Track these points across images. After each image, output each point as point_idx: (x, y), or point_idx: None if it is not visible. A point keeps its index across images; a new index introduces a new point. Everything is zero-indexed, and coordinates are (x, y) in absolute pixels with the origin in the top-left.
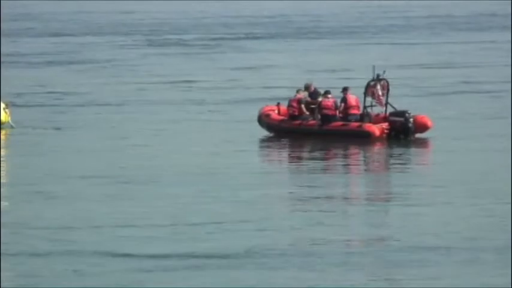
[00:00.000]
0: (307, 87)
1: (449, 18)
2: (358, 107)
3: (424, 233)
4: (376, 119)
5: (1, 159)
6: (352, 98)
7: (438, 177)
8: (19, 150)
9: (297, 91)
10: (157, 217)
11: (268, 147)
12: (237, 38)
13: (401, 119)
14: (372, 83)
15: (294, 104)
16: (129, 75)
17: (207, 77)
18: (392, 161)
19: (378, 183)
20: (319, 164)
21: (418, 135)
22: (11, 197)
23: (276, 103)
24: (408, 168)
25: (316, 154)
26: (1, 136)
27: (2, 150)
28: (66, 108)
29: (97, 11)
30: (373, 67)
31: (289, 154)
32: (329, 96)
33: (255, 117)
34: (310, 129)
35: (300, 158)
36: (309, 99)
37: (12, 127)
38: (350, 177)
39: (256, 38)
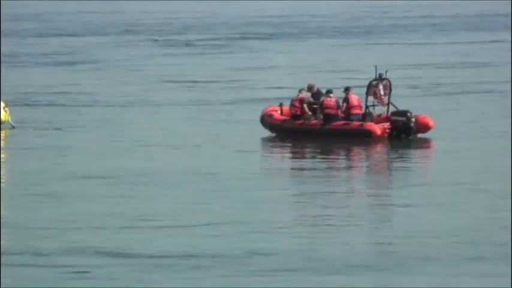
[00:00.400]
0: (310, 88)
1: (452, 18)
2: (360, 107)
3: (425, 234)
4: (378, 119)
5: (1, 159)
6: (354, 98)
7: (439, 177)
8: (19, 149)
9: (300, 91)
10: (160, 217)
11: (269, 147)
12: (241, 38)
13: (403, 118)
14: (374, 83)
15: (297, 104)
16: (133, 75)
17: (211, 77)
18: (393, 160)
19: (379, 184)
20: (320, 164)
21: (419, 135)
22: (11, 197)
23: (278, 103)
24: (409, 168)
25: (318, 154)
26: (1, 136)
27: (2, 149)
28: (69, 108)
29: (101, 11)
30: (375, 67)
31: (290, 154)
32: (331, 95)
33: (258, 118)
34: (312, 128)
35: (301, 158)
36: (311, 99)
37: (12, 126)
38: (350, 177)
39: (260, 38)
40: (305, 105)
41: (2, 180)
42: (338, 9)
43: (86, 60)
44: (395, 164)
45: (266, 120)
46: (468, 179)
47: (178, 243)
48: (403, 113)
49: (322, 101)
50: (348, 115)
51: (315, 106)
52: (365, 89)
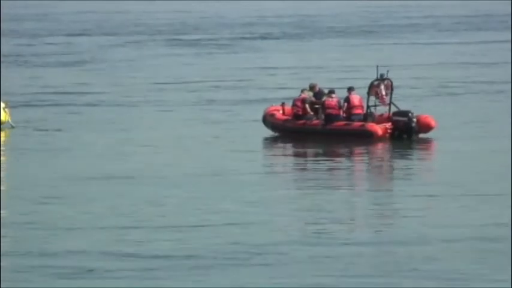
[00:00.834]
0: (312, 87)
1: (458, 18)
2: (361, 107)
3: (424, 234)
4: (380, 119)
5: (1, 159)
6: (355, 98)
7: (440, 178)
8: (20, 150)
9: (302, 91)
10: (162, 218)
11: (270, 147)
12: (246, 38)
13: (405, 118)
14: (376, 83)
15: (298, 104)
16: (137, 76)
17: (218, 77)
18: (394, 161)
19: (379, 184)
20: (321, 165)
21: (421, 135)
22: (11, 198)
23: (280, 103)
24: (410, 168)
25: (319, 154)
26: (1, 136)
27: (2, 150)
28: (73, 108)
29: (106, 11)
30: (377, 67)
31: (291, 154)
32: (333, 96)
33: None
34: (314, 128)
35: (302, 158)
36: (313, 99)
37: (12, 127)
38: (351, 178)
39: (267, 38)
40: (307, 105)
41: (2, 181)
42: (342, 9)
43: (90, 60)
44: (396, 165)
45: (268, 120)
46: (469, 180)
47: (181, 243)
48: (405, 113)
49: (324, 101)
50: (349, 115)
51: (317, 106)
52: (367, 89)
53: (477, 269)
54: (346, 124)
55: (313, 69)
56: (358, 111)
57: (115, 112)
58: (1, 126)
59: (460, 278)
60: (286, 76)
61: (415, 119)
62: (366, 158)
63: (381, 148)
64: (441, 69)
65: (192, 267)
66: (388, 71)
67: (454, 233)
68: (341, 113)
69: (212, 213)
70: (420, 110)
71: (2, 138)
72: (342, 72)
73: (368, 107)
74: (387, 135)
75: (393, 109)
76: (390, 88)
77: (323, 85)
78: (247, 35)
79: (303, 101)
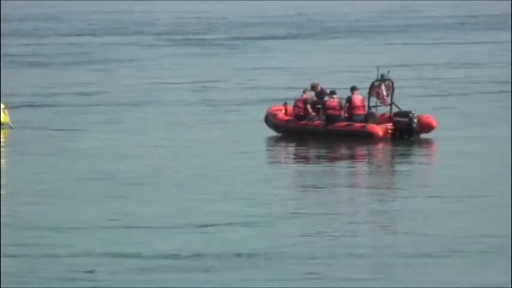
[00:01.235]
0: (313, 87)
1: (467, 18)
2: (363, 107)
3: (426, 234)
4: (382, 119)
5: (1, 159)
6: (357, 99)
7: (441, 179)
8: (21, 150)
9: (304, 91)
10: (164, 217)
11: (272, 147)
12: (252, 38)
13: (405, 119)
14: (377, 83)
15: (300, 104)
16: (142, 75)
17: (225, 77)
18: (395, 161)
19: (380, 185)
20: (321, 165)
21: (423, 135)
22: (12, 198)
23: (283, 103)
24: (411, 168)
25: (319, 155)
26: (1, 137)
27: (2, 150)
28: (80, 108)
29: (111, 10)
30: (377, 67)
31: (292, 155)
32: (334, 96)
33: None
34: (315, 129)
35: (303, 159)
36: (315, 99)
37: (11, 128)
38: (351, 178)
39: (273, 38)
40: (308, 106)
41: (2, 181)
42: (348, 9)
43: (102, 60)
44: (397, 165)
45: (270, 120)
46: (470, 180)
47: (183, 243)
48: (405, 114)
49: (325, 102)
50: (350, 115)
51: (319, 106)
52: (367, 90)
53: (477, 270)
54: (347, 125)
55: (318, 69)
56: (360, 112)
57: (118, 112)
58: (1, 127)
59: (460, 278)
60: (291, 76)
61: (415, 120)
62: (367, 158)
63: (381, 149)
64: (443, 70)
65: (195, 267)
66: (388, 72)
67: (455, 234)
68: (342, 113)
69: (214, 213)
70: (421, 110)
71: (2, 139)
72: (346, 73)
73: (369, 107)
74: (388, 135)
75: (394, 109)
76: (391, 88)
77: (328, 86)
78: (253, 35)
79: (305, 101)
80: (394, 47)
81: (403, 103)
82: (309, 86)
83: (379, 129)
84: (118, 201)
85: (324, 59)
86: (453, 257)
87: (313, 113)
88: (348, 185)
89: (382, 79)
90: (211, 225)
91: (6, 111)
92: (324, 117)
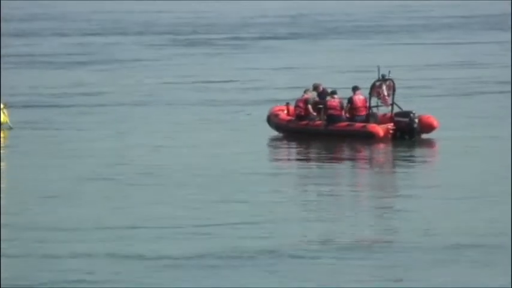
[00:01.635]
0: (315, 87)
1: (468, 19)
2: (365, 108)
3: (426, 234)
4: (383, 119)
5: (1, 159)
6: (359, 99)
7: (441, 179)
8: (20, 150)
9: (305, 91)
10: (166, 218)
11: (273, 148)
12: (257, 38)
13: (406, 119)
14: (378, 83)
15: (301, 105)
16: (148, 75)
17: (227, 77)
18: (395, 161)
19: (380, 185)
20: (321, 166)
21: (424, 135)
22: (12, 198)
23: (285, 103)
24: (411, 168)
25: (320, 155)
26: (0, 137)
27: (1, 150)
28: (84, 108)
29: (116, 10)
30: (378, 67)
31: (293, 155)
32: (335, 96)
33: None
34: (316, 129)
35: (304, 159)
36: (317, 99)
37: (10, 128)
38: (352, 179)
39: (277, 38)
40: (309, 106)
41: (2, 181)
42: (350, 9)
43: (108, 61)
44: (398, 165)
45: (272, 120)
46: (472, 181)
47: (186, 244)
48: (406, 114)
49: (326, 102)
50: (352, 116)
51: (321, 106)
52: (368, 90)
53: (477, 270)
54: (348, 125)
55: (321, 69)
56: (361, 112)
57: (120, 112)
58: (0, 127)
59: (461, 278)
60: (294, 76)
61: (416, 120)
62: (367, 159)
63: (382, 149)
64: (445, 70)
65: (198, 267)
66: (389, 72)
67: (455, 234)
68: (343, 113)
69: (216, 213)
70: (423, 110)
71: (2, 139)
72: (349, 73)
73: (370, 107)
74: (389, 135)
75: (395, 109)
76: (392, 88)
77: (331, 85)
78: (255, 35)
79: (306, 101)
80: (396, 47)
81: (405, 103)
82: (310, 86)
83: (379, 129)
84: (119, 201)
85: (326, 59)
86: (453, 257)
87: (314, 113)
88: (348, 185)
89: (383, 79)
90: (213, 225)
91: (5, 111)
92: (325, 117)
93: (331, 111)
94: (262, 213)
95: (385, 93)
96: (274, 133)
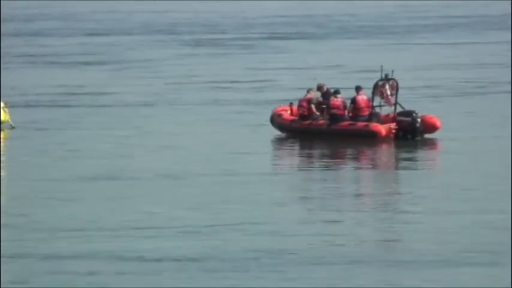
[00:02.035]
0: (319, 87)
1: (472, 19)
2: (368, 108)
3: (427, 235)
4: (386, 119)
5: (1, 159)
6: (362, 100)
7: (443, 179)
8: (21, 150)
9: (307, 91)
10: (168, 218)
11: (276, 148)
12: (265, 38)
13: (409, 119)
14: (381, 83)
15: (304, 104)
16: (154, 75)
17: (236, 77)
18: (397, 162)
19: (380, 186)
20: (324, 167)
21: (427, 135)
22: (12, 198)
23: (288, 103)
24: (414, 169)
25: (323, 155)
26: (1, 136)
27: (2, 150)
28: (90, 109)
29: (125, 10)
30: (381, 67)
31: (294, 155)
32: (338, 96)
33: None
34: (319, 129)
35: (307, 159)
36: (320, 99)
37: (12, 127)
38: (353, 180)
39: (284, 38)
40: (312, 106)
41: (2, 181)
42: (360, 9)
43: (117, 61)
44: (400, 165)
45: (275, 121)
46: (473, 181)
47: (188, 244)
48: (409, 114)
49: (329, 102)
50: (355, 116)
51: (324, 106)
52: (371, 89)
53: (478, 270)
54: (350, 124)
55: (330, 69)
56: (364, 112)
57: (126, 112)
58: (1, 126)
59: (461, 278)
60: (302, 76)
61: (419, 119)
62: (369, 159)
63: (384, 148)
64: (447, 70)
65: (199, 269)
66: (392, 71)
67: (456, 234)
68: (346, 113)
69: (218, 214)
70: (428, 110)
71: (2, 138)
72: (357, 72)
73: (373, 107)
74: (392, 135)
75: (398, 109)
76: (395, 88)
77: (339, 85)
78: (263, 35)
79: (309, 101)
80: (399, 47)
81: (408, 103)
82: (314, 86)
83: (382, 129)
84: (121, 202)
85: (331, 59)
86: (454, 258)
87: (318, 113)
88: (351, 186)
89: (386, 79)
90: (214, 226)
91: (6, 110)
92: (327, 116)
93: (333, 111)
94: (264, 213)
95: (388, 93)
96: (278, 133)
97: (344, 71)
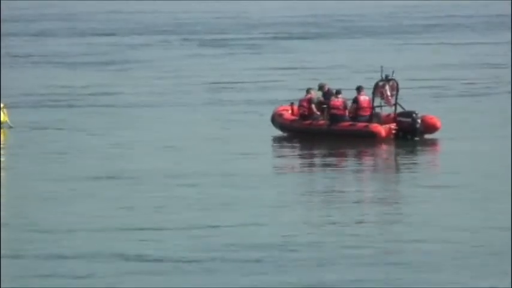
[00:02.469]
0: (321, 87)
1: (475, 19)
2: (369, 108)
3: (427, 235)
4: (387, 119)
5: (1, 159)
6: (363, 100)
7: (443, 180)
8: (20, 150)
9: (307, 90)
10: (169, 219)
11: (276, 148)
12: (273, 38)
13: (409, 119)
14: (381, 84)
15: (304, 104)
16: (163, 76)
17: (241, 77)
18: (397, 162)
19: (381, 186)
20: (325, 166)
21: (427, 135)
22: (12, 198)
23: (289, 103)
24: (414, 169)
25: (322, 155)
26: (0, 136)
27: (2, 150)
28: (94, 109)
29: (131, 10)
30: (381, 67)
31: (295, 155)
32: (339, 96)
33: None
34: (320, 129)
35: (307, 160)
36: (322, 98)
37: (10, 127)
38: (354, 180)
39: (292, 38)
40: (313, 105)
41: (2, 181)
42: (367, 9)
43: (111, 61)
44: (400, 165)
45: (276, 120)
46: (474, 181)
47: (188, 245)
48: (409, 114)
49: (329, 102)
50: (356, 116)
51: (325, 106)
52: (371, 90)
53: (478, 270)
54: (350, 125)
55: (336, 69)
56: (366, 112)
57: (131, 113)
58: (0, 127)
59: (461, 278)
60: (307, 76)
61: (419, 120)
62: (369, 159)
63: (384, 149)
64: (449, 70)
65: (201, 269)
66: (393, 72)
67: (456, 235)
68: (346, 113)
69: (218, 214)
70: (428, 110)
71: (2, 139)
72: (363, 73)
73: (373, 107)
74: (391, 135)
75: (399, 110)
76: (396, 89)
77: (343, 85)
78: (269, 35)
79: (309, 101)
80: (402, 47)
81: (410, 103)
82: (315, 86)
83: (382, 129)
84: (122, 202)
85: (338, 59)
86: (454, 258)
87: (318, 113)
88: (350, 186)
89: (387, 79)
90: (216, 226)
91: (5, 110)
92: (328, 116)
93: (333, 111)
94: (264, 213)
95: (388, 94)
96: (279, 133)
97: (346, 71)
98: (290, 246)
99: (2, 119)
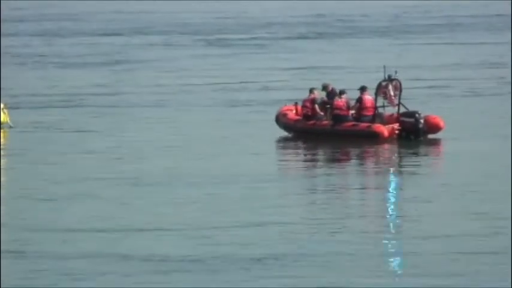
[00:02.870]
0: (324, 87)
1: (476, 19)
2: (373, 108)
3: (428, 235)
4: (390, 119)
5: (1, 159)
6: (367, 100)
7: (446, 180)
8: (21, 150)
9: (310, 90)
10: (171, 219)
11: (280, 148)
12: (279, 38)
13: (412, 119)
14: (384, 84)
15: (308, 104)
16: (169, 76)
17: (246, 77)
18: (400, 162)
19: (384, 186)
20: (326, 167)
21: (430, 135)
22: (12, 198)
23: (293, 103)
24: (416, 170)
25: (326, 155)
26: (1, 136)
27: (3, 150)
28: (98, 109)
29: (137, 10)
30: (384, 67)
31: (300, 155)
32: (342, 96)
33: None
34: (323, 129)
35: (310, 160)
36: (325, 98)
37: (10, 127)
38: (357, 180)
39: (297, 38)
40: (316, 106)
41: (2, 181)
42: (369, 9)
43: (116, 61)
44: (403, 166)
45: (281, 120)
46: (476, 181)
47: (192, 245)
48: (412, 114)
49: (332, 102)
50: (359, 116)
51: (328, 106)
52: (374, 90)
53: (478, 270)
54: (353, 125)
55: (339, 69)
56: (369, 112)
57: (135, 113)
58: (0, 127)
59: (462, 278)
60: (312, 76)
61: (422, 120)
62: (372, 159)
63: (387, 149)
64: (450, 70)
65: (203, 270)
66: (396, 72)
67: (457, 235)
68: (350, 113)
69: (223, 215)
70: (430, 110)
71: (2, 139)
72: (368, 73)
73: (376, 107)
74: (394, 135)
75: (402, 109)
76: (399, 89)
77: (347, 85)
78: (273, 35)
79: (313, 101)
80: (404, 48)
81: (413, 103)
82: (315, 85)
83: (384, 129)
84: (124, 202)
85: (343, 59)
86: (454, 258)
87: (322, 113)
88: (354, 186)
89: (390, 79)
90: (218, 227)
91: (5, 110)
92: (331, 117)
93: (336, 111)
94: (268, 213)
95: (392, 93)
96: (283, 133)
97: (349, 71)
98: (294, 246)
99: (2, 119)
